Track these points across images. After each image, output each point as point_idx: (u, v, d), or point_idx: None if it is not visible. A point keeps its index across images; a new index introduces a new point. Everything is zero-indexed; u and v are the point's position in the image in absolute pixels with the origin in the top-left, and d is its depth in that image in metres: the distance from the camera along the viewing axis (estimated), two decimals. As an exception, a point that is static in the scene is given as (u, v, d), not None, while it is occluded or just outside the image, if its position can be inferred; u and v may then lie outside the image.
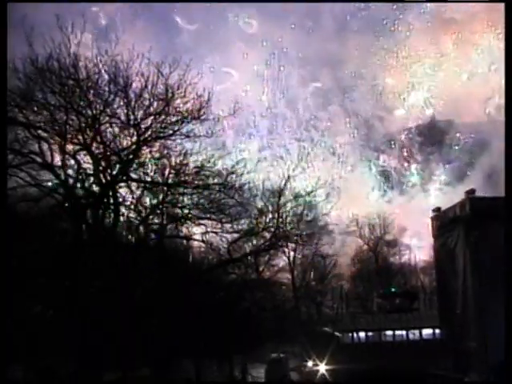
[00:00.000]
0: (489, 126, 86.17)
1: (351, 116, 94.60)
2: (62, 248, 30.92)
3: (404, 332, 64.02)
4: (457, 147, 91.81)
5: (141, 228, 35.33)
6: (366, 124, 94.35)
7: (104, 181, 32.76)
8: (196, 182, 34.04)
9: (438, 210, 60.41)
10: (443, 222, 56.37)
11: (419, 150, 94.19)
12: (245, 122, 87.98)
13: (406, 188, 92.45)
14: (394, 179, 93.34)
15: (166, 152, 33.93)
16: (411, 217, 79.05)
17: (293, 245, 45.03)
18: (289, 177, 40.11)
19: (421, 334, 63.30)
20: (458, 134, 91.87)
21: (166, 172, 34.15)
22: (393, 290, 71.75)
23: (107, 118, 32.72)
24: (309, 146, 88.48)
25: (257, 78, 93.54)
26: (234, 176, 34.63)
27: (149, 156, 33.77)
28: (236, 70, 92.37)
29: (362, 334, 64.94)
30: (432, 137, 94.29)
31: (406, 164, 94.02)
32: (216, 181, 34.38)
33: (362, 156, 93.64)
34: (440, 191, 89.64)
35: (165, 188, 34.64)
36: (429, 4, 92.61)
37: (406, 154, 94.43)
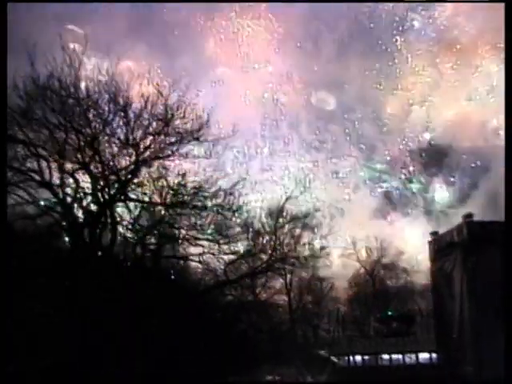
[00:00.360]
0: (489, 150, 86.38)
1: (351, 138, 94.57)
2: (58, 266, 30.81)
3: (401, 356, 63.78)
4: (457, 170, 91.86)
5: (138, 248, 35.24)
6: (367, 146, 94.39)
7: (102, 200, 32.78)
8: (194, 203, 34.04)
9: (435, 233, 60.60)
10: (440, 245, 56.52)
11: (419, 172, 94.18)
12: (244, 144, 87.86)
13: (406, 211, 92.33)
14: (394, 201, 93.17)
15: (164, 172, 33.98)
16: (409, 240, 78.98)
17: (290, 267, 44.97)
18: (287, 199, 40.22)
19: (417, 358, 63.05)
20: (458, 157, 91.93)
21: (164, 192, 34.11)
22: (390, 313, 71.50)
23: (106, 138, 32.81)
24: (308, 167, 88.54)
25: (257, 99, 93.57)
26: (231, 197, 34.66)
27: (147, 176, 33.80)
28: (236, 90, 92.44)
29: (358, 358, 64.70)
30: (432, 159, 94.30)
31: (405, 186, 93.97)
32: (214, 202, 34.38)
33: (362, 178, 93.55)
34: (439, 214, 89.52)
35: (162, 208, 34.61)
36: (430, 27, 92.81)
37: (405, 176, 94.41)
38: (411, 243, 76.19)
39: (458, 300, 51.68)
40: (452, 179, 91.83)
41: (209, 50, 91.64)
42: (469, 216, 53.81)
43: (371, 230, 78.67)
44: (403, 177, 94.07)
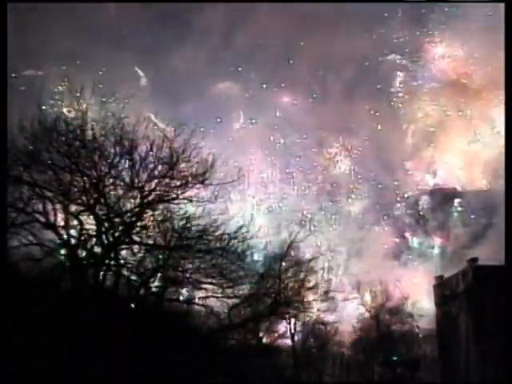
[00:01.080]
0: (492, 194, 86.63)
1: (355, 182, 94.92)
2: (62, 308, 30.69)
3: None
4: (460, 214, 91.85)
5: (142, 291, 35.09)
6: (372, 189, 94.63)
7: (106, 242, 32.75)
8: (198, 246, 33.98)
9: (440, 277, 60.37)
10: (446, 289, 56.28)
11: (423, 216, 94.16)
12: (249, 187, 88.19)
13: (410, 256, 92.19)
14: (397, 246, 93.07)
15: (169, 215, 33.98)
16: (414, 284, 78.77)
17: (294, 311, 44.72)
18: (291, 242, 40.16)
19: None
20: (461, 200, 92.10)
21: (169, 235, 34.07)
22: (394, 358, 70.80)
23: (111, 180, 32.91)
24: (313, 211, 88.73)
25: (264, 143, 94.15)
26: (236, 241, 34.60)
27: (152, 219, 33.80)
28: (241, 136, 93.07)
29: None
30: (436, 202, 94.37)
31: (409, 232, 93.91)
32: (218, 245, 34.31)
33: (368, 220, 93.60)
34: (443, 258, 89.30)
35: (167, 251, 34.54)
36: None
37: (408, 220, 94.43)
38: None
39: (464, 344, 51.27)
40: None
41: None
42: (474, 260, 53.67)
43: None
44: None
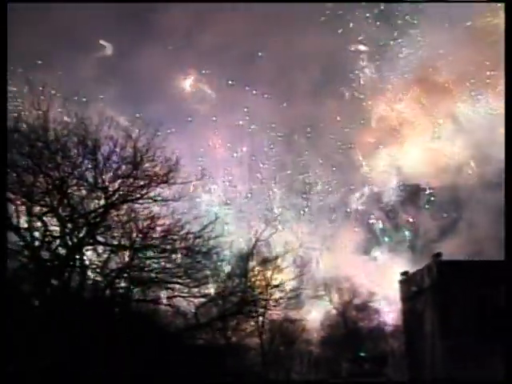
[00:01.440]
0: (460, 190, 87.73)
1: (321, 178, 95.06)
2: (26, 311, 30.38)
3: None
4: (426, 209, 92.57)
5: (107, 291, 34.87)
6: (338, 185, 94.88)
7: (70, 243, 32.48)
8: (163, 246, 33.88)
9: (405, 273, 60.84)
10: (411, 285, 56.73)
11: (390, 212, 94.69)
12: (213, 186, 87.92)
13: (375, 251, 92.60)
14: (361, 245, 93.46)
15: (133, 215, 33.83)
16: (381, 280, 79.13)
17: (261, 309, 44.78)
18: (257, 241, 40.20)
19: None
20: (426, 196, 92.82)
21: (133, 235, 33.92)
22: (362, 354, 71.19)
23: (75, 181, 32.67)
24: (279, 209, 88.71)
25: (229, 142, 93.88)
26: (201, 240, 34.55)
27: (116, 219, 33.61)
28: (206, 137, 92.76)
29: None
30: (401, 198, 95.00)
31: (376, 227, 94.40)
32: (183, 245, 34.24)
33: (334, 218, 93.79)
34: (409, 253, 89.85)
35: (132, 251, 34.37)
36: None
37: (375, 217, 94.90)
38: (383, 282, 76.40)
39: (430, 339, 51.74)
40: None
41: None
42: (438, 255, 54.17)
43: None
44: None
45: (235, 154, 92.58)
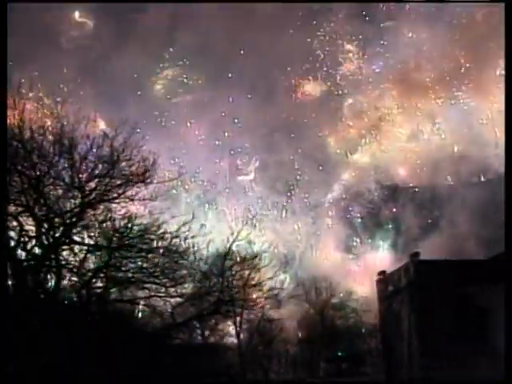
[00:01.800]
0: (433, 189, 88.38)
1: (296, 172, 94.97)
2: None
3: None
4: (404, 208, 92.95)
5: (83, 292, 34.68)
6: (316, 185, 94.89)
7: (46, 243, 32.29)
8: (140, 246, 33.79)
9: (383, 273, 60.93)
10: (388, 285, 56.84)
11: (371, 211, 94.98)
12: (190, 185, 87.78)
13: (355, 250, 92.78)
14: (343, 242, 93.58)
15: (110, 215, 33.69)
16: (358, 279, 79.43)
17: (239, 309, 44.78)
18: (234, 240, 40.20)
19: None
20: (403, 195, 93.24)
21: (110, 235, 33.77)
22: (339, 353, 71.37)
23: (51, 180, 32.48)
24: (256, 208, 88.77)
25: (206, 141, 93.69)
26: (178, 240, 34.50)
27: (93, 219, 33.46)
28: (184, 136, 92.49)
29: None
30: (380, 198, 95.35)
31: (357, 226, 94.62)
32: (160, 244, 34.17)
33: (310, 216, 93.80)
34: (387, 253, 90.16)
35: (108, 251, 34.22)
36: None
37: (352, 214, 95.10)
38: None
39: (406, 339, 51.90)
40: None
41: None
42: (415, 255, 54.27)
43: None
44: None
45: (215, 153, 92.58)
